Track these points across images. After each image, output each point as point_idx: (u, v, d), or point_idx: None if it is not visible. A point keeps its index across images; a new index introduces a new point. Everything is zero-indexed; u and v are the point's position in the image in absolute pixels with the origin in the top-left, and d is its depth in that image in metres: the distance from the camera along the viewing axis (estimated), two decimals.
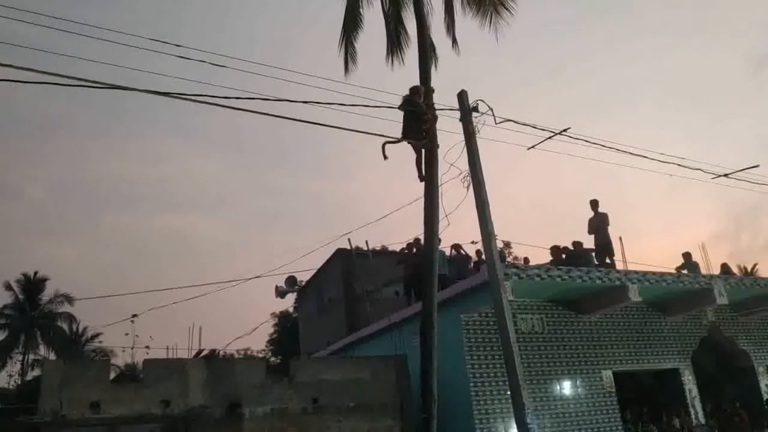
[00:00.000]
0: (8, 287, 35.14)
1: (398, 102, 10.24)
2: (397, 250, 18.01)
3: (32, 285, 35.70)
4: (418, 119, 10.06)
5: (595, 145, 11.28)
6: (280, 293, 25.50)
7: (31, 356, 34.68)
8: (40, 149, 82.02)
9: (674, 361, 14.41)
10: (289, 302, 31.88)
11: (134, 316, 24.81)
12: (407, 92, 10.39)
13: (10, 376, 33.94)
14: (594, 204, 14.68)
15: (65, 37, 7.98)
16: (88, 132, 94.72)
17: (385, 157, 9.84)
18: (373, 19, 12.39)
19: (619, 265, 15.01)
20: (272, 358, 34.66)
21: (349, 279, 21.55)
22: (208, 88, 8.22)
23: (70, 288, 43.12)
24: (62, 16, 7.67)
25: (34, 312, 35.51)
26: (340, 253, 21.88)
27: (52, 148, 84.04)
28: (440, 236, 10.88)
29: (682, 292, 13.76)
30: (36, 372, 32.28)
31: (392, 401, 11.76)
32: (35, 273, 35.85)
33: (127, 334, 29.52)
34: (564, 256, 13.94)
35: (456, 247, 15.07)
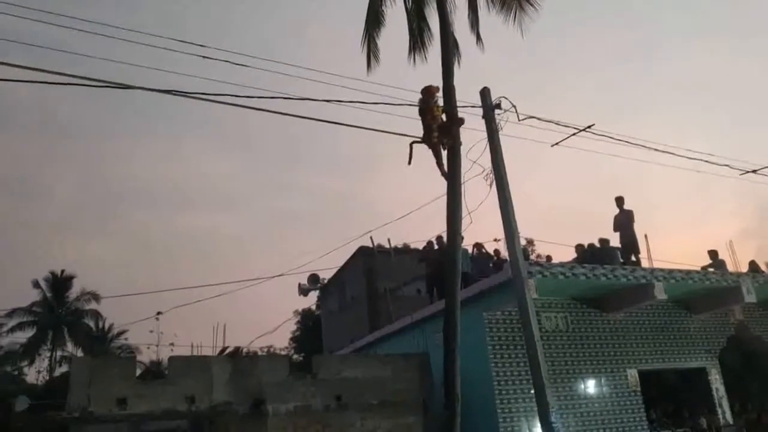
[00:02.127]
0: (36, 285, 35.65)
1: (418, 98, 10.28)
2: (419, 248, 18.00)
3: (60, 283, 36.16)
4: (430, 122, 10.10)
5: (619, 142, 11.19)
6: (303, 291, 25.66)
7: (59, 353, 35.17)
8: (69, 149, 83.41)
9: (701, 360, 14.21)
10: (311, 300, 32.10)
11: (159, 313, 25.20)
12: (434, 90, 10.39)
13: (39, 372, 34.46)
14: (619, 201, 14.54)
15: (93, 40, 8.09)
16: (117, 132, 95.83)
17: (411, 159, 10.09)
18: (395, 16, 12.37)
19: (645, 263, 14.87)
20: (295, 356, 34.84)
21: (371, 277, 21.61)
22: (230, 87, 8.30)
23: (96, 286, 43.57)
24: (88, 19, 7.79)
25: (62, 309, 35.99)
26: (362, 251, 21.94)
27: (80, 148, 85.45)
28: (463, 234, 10.85)
29: (708, 289, 13.54)
30: (63, 368, 32.75)
31: (415, 399, 11.77)
32: (62, 271, 36.31)
33: (151, 332, 29.86)
34: (591, 252, 13.81)
35: (478, 246, 15.02)
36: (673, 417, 14.56)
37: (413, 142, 10.13)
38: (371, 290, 21.60)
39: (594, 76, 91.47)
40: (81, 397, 9.83)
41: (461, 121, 10.33)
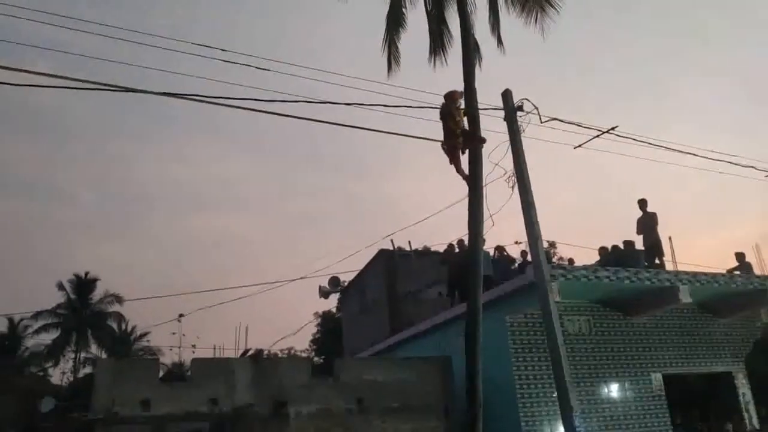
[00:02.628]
0: (61, 287, 36.13)
1: (440, 102, 10.25)
2: (440, 250, 17.94)
3: (83, 285, 36.61)
4: (452, 126, 10.08)
5: (642, 144, 11.10)
6: (324, 293, 25.66)
7: (83, 354, 35.63)
8: (90, 153, 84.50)
9: (727, 364, 14.01)
10: (332, 302, 32.14)
11: (181, 316, 25.40)
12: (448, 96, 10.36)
13: (63, 373, 34.94)
14: (642, 203, 14.37)
15: (111, 44, 8.20)
16: (136, 136, 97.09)
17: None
18: (415, 19, 12.36)
19: (669, 266, 14.69)
20: (315, 358, 34.93)
21: (392, 279, 21.52)
22: (249, 91, 8.34)
23: (119, 288, 44.12)
24: (105, 23, 7.88)
25: (85, 311, 36.42)
26: (382, 253, 21.87)
27: (101, 153, 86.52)
28: (484, 237, 10.79)
29: (734, 293, 13.35)
30: (87, 369, 33.18)
31: (437, 403, 11.72)
32: (86, 273, 36.79)
33: (174, 334, 30.10)
34: (615, 255, 13.68)
35: (499, 249, 14.94)
36: (698, 422, 14.35)
37: (443, 143, 10.14)
38: (392, 293, 21.51)
39: (616, 77, 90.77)
40: (105, 399, 9.92)
41: (482, 140, 10.28)
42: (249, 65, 8.68)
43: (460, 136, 10.02)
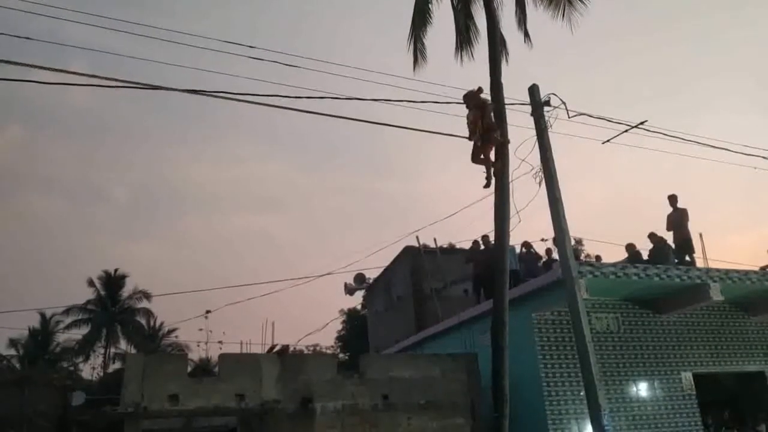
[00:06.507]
0: (91, 284, 36.71)
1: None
2: (465, 248, 17.87)
3: (113, 282, 37.13)
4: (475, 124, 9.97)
5: (673, 138, 10.90)
6: (349, 290, 25.74)
7: (112, 350, 36.16)
8: (124, 154, 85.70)
9: (759, 364, 13.73)
10: (357, 299, 32.24)
11: (208, 312, 25.66)
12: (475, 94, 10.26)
13: (93, 368, 35.48)
14: (672, 199, 14.15)
15: (145, 44, 8.28)
16: (167, 136, 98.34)
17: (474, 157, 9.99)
18: (441, 14, 12.31)
19: (700, 263, 14.45)
20: (340, 354, 35.03)
21: (418, 277, 21.52)
22: (277, 88, 8.35)
23: (148, 285, 44.68)
24: (137, 23, 7.95)
25: (115, 307, 36.96)
26: (408, 250, 21.87)
27: (134, 153, 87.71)
28: (510, 233, 10.70)
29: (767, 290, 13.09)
30: (117, 365, 33.65)
31: (463, 400, 11.67)
32: (115, 270, 37.30)
33: (201, 330, 30.33)
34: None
35: (526, 245, 14.83)
36: (731, 422, 14.10)
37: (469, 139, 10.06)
38: (417, 290, 21.51)
39: (648, 71, 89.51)
40: (135, 393, 10.04)
41: (504, 142, 10.20)
42: (276, 62, 8.70)
43: (484, 133, 9.91)
